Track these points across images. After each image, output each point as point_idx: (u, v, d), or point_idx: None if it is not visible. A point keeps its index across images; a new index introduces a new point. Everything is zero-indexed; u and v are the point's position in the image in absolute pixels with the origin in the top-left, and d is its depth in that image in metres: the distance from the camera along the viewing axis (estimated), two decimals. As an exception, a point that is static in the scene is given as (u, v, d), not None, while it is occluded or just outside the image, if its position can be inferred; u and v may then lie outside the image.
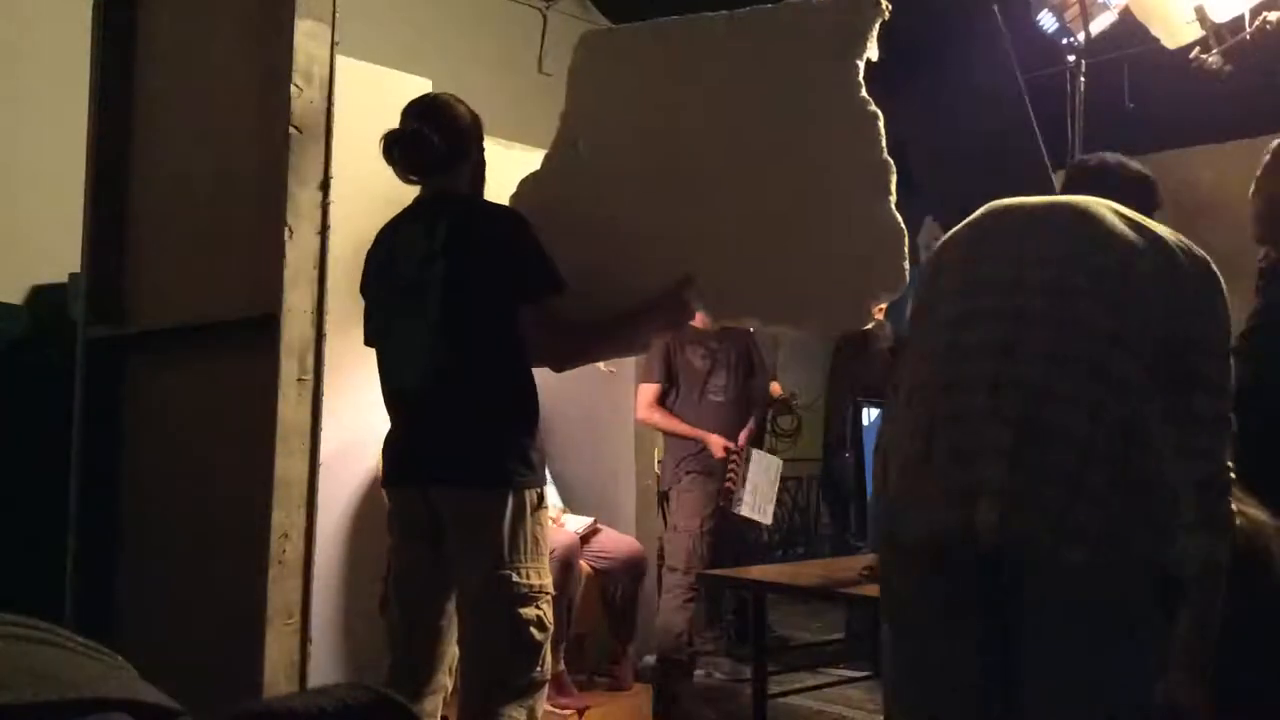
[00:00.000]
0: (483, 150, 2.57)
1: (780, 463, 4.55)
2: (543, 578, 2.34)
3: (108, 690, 0.67)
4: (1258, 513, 2.09)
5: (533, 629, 2.30)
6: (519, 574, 2.29)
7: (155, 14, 2.87)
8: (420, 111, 2.50)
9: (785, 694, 3.00)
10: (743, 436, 4.39)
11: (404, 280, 2.43)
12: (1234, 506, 1.98)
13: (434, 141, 2.43)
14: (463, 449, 2.34)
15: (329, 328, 2.34)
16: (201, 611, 2.48)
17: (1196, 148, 5.33)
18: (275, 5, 2.35)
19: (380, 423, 3.86)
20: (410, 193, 4.02)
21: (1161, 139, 5.29)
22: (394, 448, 2.50)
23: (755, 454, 4.38)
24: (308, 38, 2.31)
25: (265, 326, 2.27)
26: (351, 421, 3.72)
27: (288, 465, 2.24)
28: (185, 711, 0.69)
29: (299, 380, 2.26)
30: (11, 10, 4.13)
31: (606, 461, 4.47)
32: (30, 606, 0.76)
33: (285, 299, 2.25)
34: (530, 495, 2.34)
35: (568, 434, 4.26)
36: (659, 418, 4.31)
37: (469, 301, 2.35)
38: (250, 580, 2.22)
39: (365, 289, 2.59)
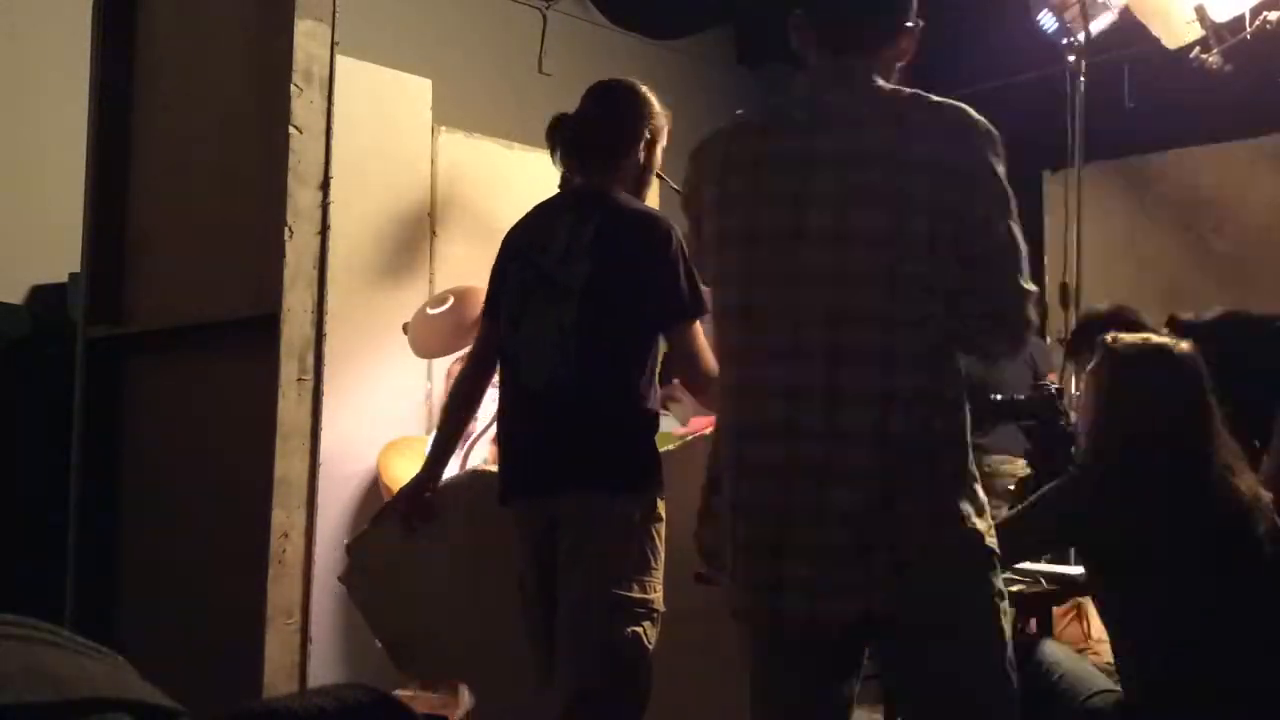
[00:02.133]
0: (653, 151, 2.46)
1: None
2: (649, 593, 2.23)
3: (108, 690, 0.67)
4: (1250, 483, 2.11)
5: (631, 648, 2.19)
6: (625, 586, 2.20)
7: (155, 14, 2.87)
8: (605, 97, 2.41)
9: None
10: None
11: (540, 271, 2.34)
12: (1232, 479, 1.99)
13: (616, 131, 2.37)
14: (592, 453, 2.26)
15: (329, 328, 2.33)
16: (201, 611, 2.48)
17: (1196, 148, 5.33)
18: (275, 5, 2.35)
19: (380, 423, 3.88)
20: (405, 197, 4.03)
21: (1161, 139, 5.29)
22: (515, 456, 2.39)
23: None
24: (308, 38, 2.31)
25: (265, 326, 2.27)
26: (351, 421, 3.72)
27: (288, 465, 2.24)
28: (185, 711, 0.69)
29: (299, 380, 2.26)
30: (11, 10, 4.13)
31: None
32: (30, 606, 0.76)
33: (285, 299, 2.25)
34: (646, 503, 2.25)
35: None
36: None
37: (609, 309, 2.27)
38: (250, 580, 2.22)
39: (499, 270, 2.48)
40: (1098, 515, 2.10)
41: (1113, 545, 2.10)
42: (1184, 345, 2.17)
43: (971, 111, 1.63)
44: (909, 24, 1.73)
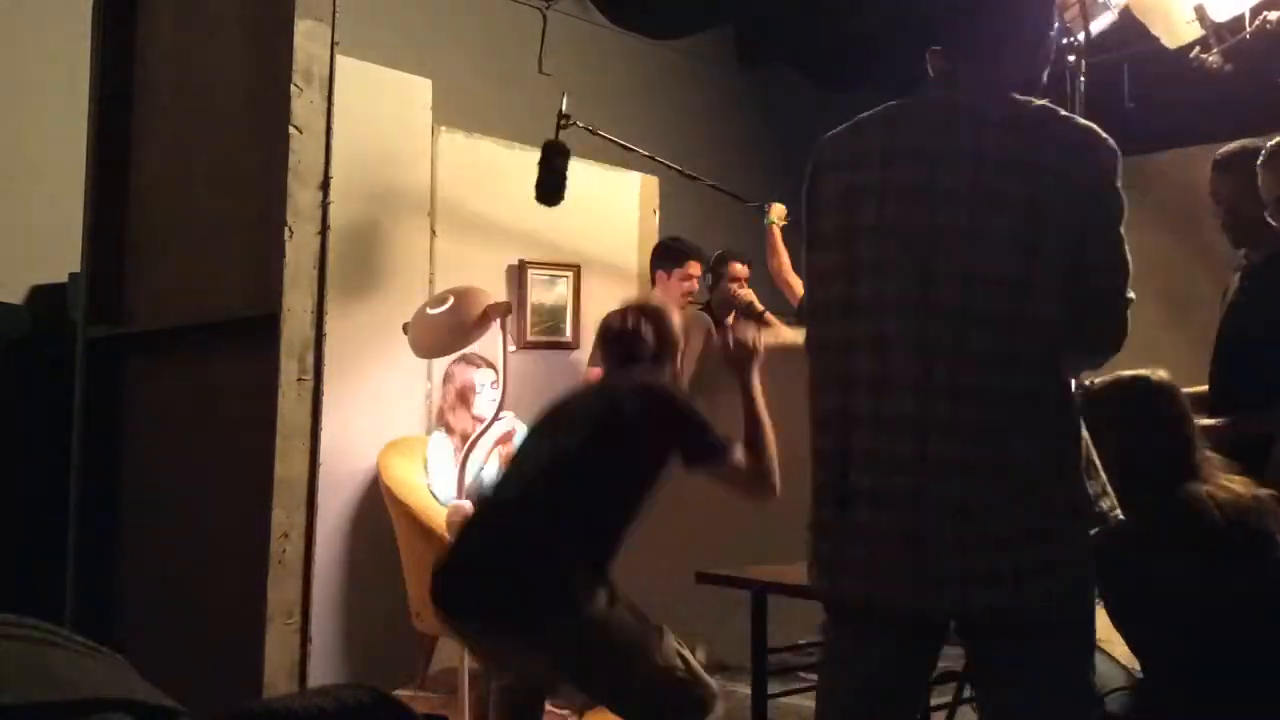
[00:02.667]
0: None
1: None
2: (669, 658, 2.35)
3: (108, 690, 0.67)
4: (1238, 486, 2.11)
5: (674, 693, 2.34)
6: (639, 669, 2.33)
7: (155, 14, 2.87)
8: (643, 312, 2.67)
9: (785, 694, 3.01)
10: None
11: (554, 439, 2.51)
12: (1215, 481, 2.02)
13: (646, 341, 2.59)
14: (527, 589, 2.34)
15: (329, 328, 2.33)
16: (201, 611, 2.48)
17: (1196, 148, 5.33)
18: (275, 5, 2.34)
19: (380, 423, 3.88)
20: (405, 197, 4.03)
21: (1161, 139, 5.29)
22: (459, 564, 2.50)
23: None
24: (308, 38, 2.31)
25: (265, 326, 2.27)
26: (351, 421, 3.73)
27: (288, 465, 2.24)
28: (185, 711, 0.69)
29: (299, 380, 2.26)
30: (11, 10, 4.13)
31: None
32: (30, 606, 0.76)
33: (285, 299, 2.24)
34: (598, 607, 2.32)
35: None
36: None
37: (598, 468, 2.41)
38: (250, 580, 2.22)
39: (533, 431, 2.65)
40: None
41: (1114, 566, 2.12)
42: (1160, 373, 2.21)
43: (1098, 129, 1.72)
44: (1041, 32, 1.85)
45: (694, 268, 4.37)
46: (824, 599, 1.81)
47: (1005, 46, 1.79)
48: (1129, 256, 1.71)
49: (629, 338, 2.60)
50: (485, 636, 2.44)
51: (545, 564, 2.33)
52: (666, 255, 4.42)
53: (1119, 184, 1.69)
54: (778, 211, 4.73)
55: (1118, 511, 1.72)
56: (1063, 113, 1.73)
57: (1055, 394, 1.69)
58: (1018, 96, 1.75)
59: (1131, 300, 1.73)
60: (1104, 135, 1.71)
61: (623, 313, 2.66)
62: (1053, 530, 1.65)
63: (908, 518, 1.66)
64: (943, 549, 1.64)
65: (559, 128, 3.96)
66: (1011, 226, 1.63)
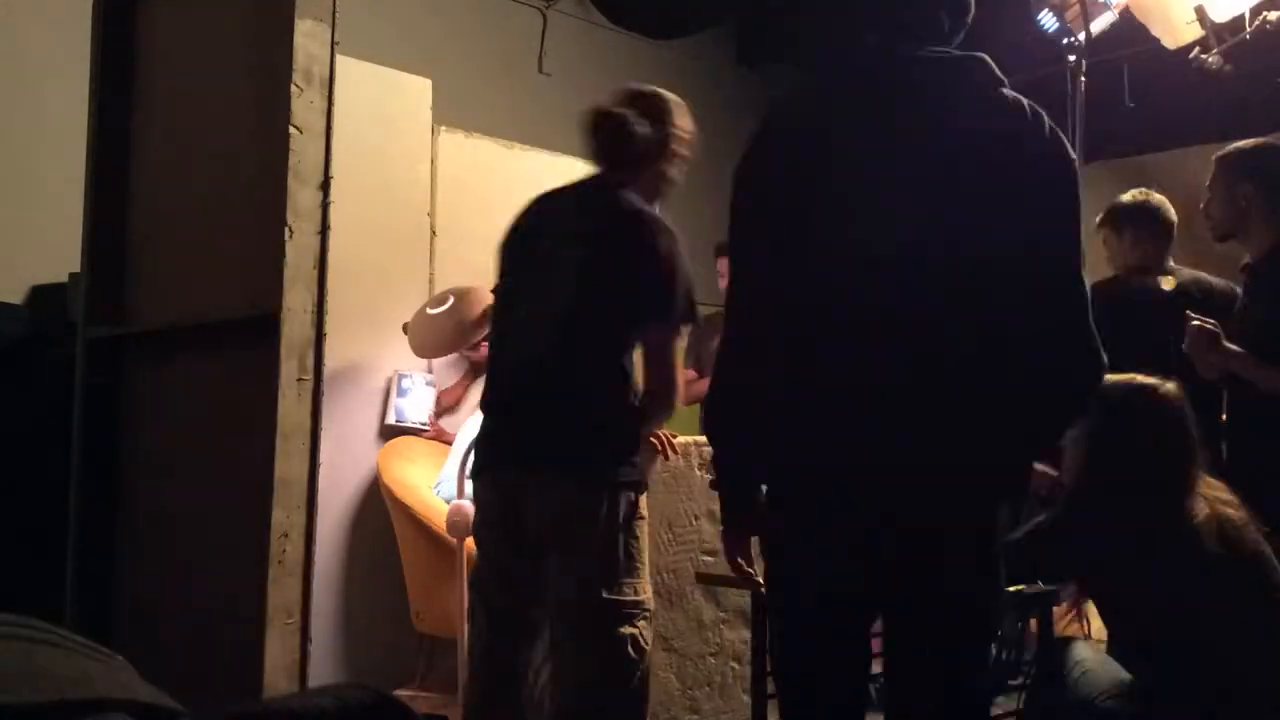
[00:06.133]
0: (673, 167, 2.48)
1: None
2: (640, 593, 2.24)
3: (108, 690, 0.67)
4: (1235, 511, 2.11)
5: (629, 648, 2.20)
6: (614, 588, 2.20)
7: (155, 14, 2.87)
8: (652, 106, 2.46)
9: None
10: None
11: (537, 255, 2.36)
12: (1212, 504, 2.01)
13: (643, 134, 2.38)
14: (563, 441, 2.24)
15: (329, 328, 2.33)
16: (201, 611, 2.48)
17: (1196, 148, 5.33)
18: (275, 5, 2.35)
19: (380, 423, 3.88)
20: (405, 197, 4.03)
21: (1161, 139, 5.29)
22: (491, 433, 2.37)
23: None
24: (308, 38, 2.31)
25: (265, 326, 2.27)
26: (352, 421, 3.73)
27: (288, 465, 2.24)
28: (185, 711, 0.69)
29: (299, 380, 2.26)
30: (11, 11, 4.13)
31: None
32: (30, 606, 0.76)
33: (285, 299, 2.25)
34: (628, 500, 2.24)
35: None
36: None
37: (601, 297, 2.27)
38: (250, 580, 2.22)
39: (504, 246, 2.48)
40: (1083, 549, 2.12)
41: (1098, 574, 2.13)
42: (1169, 386, 2.18)
43: None
44: None
45: None
46: None
47: None
48: None
49: (616, 131, 2.38)
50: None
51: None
52: None
53: None
54: None
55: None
56: None
57: None
58: None
59: None
60: None
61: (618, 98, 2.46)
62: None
63: None
64: None
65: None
66: None
